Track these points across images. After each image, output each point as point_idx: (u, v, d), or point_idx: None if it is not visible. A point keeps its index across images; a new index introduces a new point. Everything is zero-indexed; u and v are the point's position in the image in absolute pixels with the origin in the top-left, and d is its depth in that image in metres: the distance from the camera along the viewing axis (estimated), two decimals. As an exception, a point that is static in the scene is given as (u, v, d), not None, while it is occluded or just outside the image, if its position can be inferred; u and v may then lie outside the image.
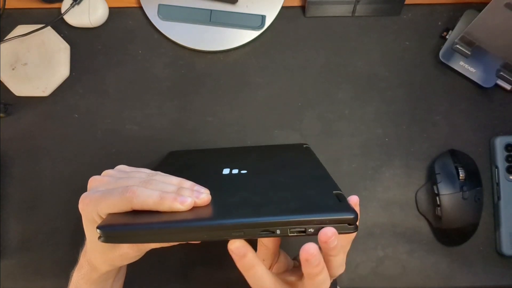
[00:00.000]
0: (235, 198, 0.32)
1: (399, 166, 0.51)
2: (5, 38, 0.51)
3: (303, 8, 0.53)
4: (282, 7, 0.51)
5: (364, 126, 0.52)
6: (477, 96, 0.52)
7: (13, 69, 0.51)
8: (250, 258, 0.29)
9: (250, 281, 0.31)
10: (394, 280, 0.50)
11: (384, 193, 0.51)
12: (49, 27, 0.52)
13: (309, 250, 0.27)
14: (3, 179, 0.52)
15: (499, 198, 0.50)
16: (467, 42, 0.48)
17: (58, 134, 0.52)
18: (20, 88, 0.52)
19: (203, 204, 0.31)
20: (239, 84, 0.52)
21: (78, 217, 0.35)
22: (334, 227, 0.27)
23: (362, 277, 0.50)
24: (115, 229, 0.29)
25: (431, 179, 0.50)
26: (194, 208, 0.30)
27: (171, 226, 0.29)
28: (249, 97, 0.52)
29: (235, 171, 0.38)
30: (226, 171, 0.38)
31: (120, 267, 0.40)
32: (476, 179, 0.49)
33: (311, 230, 0.28)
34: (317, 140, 0.51)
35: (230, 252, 0.29)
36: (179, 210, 0.30)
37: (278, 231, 0.28)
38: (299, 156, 0.44)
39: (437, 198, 0.48)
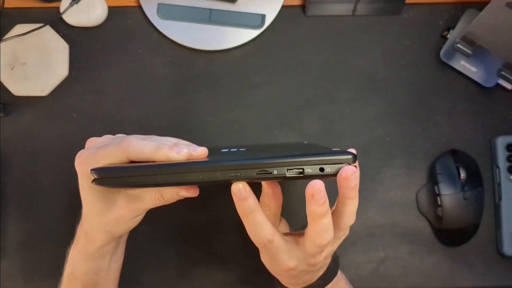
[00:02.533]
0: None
1: (399, 166, 0.51)
2: (3, 38, 0.50)
3: (303, 7, 0.52)
4: (282, 6, 0.51)
5: (364, 126, 0.51)
6: (478, 95, 0.51)
7: (11, 68, 0.51)
8: (251, 202, 0.29)
9: (249, 228, 0.31)
10: (395, 281, 0.50)
11: (385, 193, 0.51)
12: (48, 27, 0.51)
13: (315, 185, 0.27)
14: (2, 179, 0.51)
15: (500, 198, 0.49)
16: (468, 41, 0.48)
17: (57, 134, 0.52)
18: (19, 87, 0.51)
19: (200, 157, 0.31)
20: (239, 84, 0.52)
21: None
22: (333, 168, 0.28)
23: (363, 277, 0.50)
24: (109, 170, 0.30)
25: (432, 179, 0.49)
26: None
27: (166, 166, 0.29)
28: (249, 96, 0.52)
29: (233, 150, 0.38)
30: (224, 150, 0.38)
31: (118, 246, 0.39)
32: (477, 179, 0.49)
33: (309, 170, 0.27)
34: (317, 140, 0.51)
35: (232, 195, 0.29)
36: (175, 160, 0.30)
37: (275, 171, 0.28)
38: (298, 143, 0.46)
39: (438, 198, 0.48)
